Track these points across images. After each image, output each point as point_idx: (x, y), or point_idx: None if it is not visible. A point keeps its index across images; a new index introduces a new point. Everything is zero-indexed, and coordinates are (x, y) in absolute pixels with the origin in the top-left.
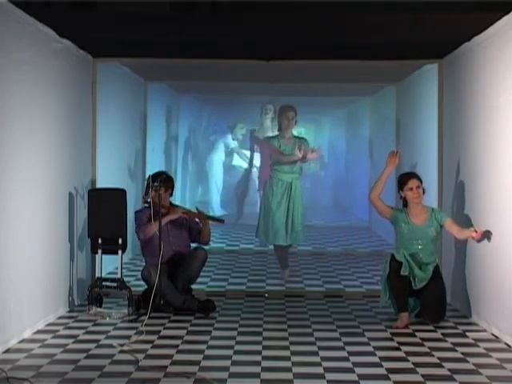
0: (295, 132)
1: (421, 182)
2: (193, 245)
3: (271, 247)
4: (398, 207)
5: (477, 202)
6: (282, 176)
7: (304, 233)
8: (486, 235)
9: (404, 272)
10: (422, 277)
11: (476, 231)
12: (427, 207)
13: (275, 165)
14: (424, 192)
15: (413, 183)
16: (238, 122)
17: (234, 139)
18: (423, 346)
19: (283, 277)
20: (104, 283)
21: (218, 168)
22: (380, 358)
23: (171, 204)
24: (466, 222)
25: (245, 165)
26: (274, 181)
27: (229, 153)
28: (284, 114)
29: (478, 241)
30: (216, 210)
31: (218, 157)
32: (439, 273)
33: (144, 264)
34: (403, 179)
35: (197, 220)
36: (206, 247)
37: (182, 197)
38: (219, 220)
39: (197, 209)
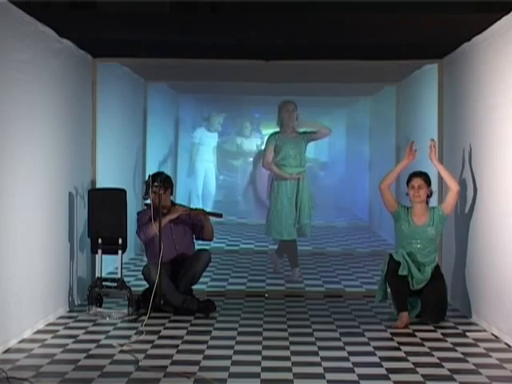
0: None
1: (428, 183)
2: (197, 246)
3: (271, 247)
4: (404, 204)
5: (477, 201)
6: (291, 171)
7: (310, 227)
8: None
9: (402, 272)
10: (420, 278)
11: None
12: (430, 208)
13: (282, 160)
14: (432, 193)
15: (415, 182)
16: (212, 112)
17: (211, 131)
18: (423, 346)
19: (293, 277)
20: (104, 283)
21: (210, 167)
22: (380, 357)
23: (173, 203)
24: (466, 221)
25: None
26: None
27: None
28: (284, 108)
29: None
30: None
31: (209, 156)
32: (440, 273)
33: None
34: (409, 176)
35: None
36: (206, 246)
37: (181, 196)
38: (217, 214)
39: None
